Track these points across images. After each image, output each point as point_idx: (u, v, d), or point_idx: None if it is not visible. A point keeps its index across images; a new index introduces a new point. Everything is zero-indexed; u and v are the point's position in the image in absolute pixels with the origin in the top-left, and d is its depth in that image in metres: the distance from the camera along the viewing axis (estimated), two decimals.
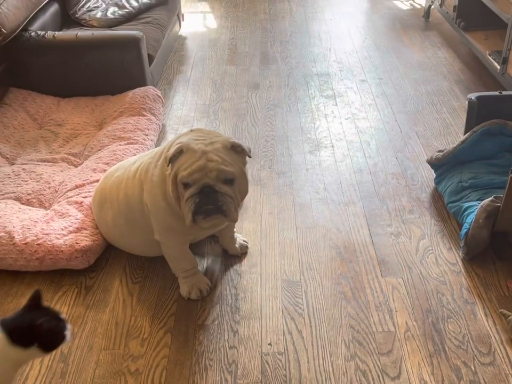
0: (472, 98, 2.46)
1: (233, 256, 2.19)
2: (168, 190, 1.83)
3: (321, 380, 1.71)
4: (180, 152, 1.78)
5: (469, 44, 3.63)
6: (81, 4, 3.59)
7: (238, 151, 1.83)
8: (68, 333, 1.36)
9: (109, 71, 3.13)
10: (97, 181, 2.40)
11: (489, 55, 3.32)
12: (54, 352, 1.79)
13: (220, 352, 1.80)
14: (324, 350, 1.80)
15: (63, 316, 1.42)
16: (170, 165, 1.80)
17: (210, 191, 1.76)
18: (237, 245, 2.19)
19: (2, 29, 2.80)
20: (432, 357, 1.77)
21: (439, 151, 2.53)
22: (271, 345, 1.82)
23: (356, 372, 1.73)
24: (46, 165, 2.62)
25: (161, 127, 3.04)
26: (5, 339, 1.29)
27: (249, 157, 1.86)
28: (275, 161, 2.80)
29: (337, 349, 1.80)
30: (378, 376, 1.71)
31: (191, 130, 1.92)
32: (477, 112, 2.45)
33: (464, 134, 2.49)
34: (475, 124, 2.44)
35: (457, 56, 3.84)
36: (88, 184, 2.42)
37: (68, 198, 2.35)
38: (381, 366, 1.74)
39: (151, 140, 2.82)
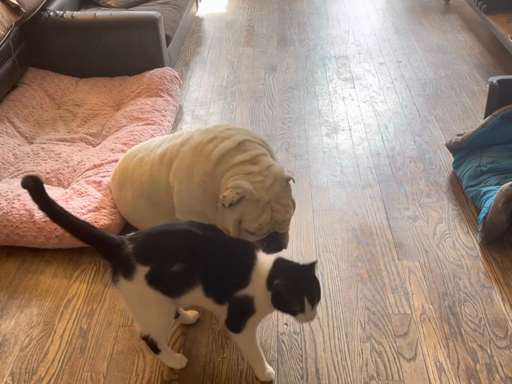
0: (494, 81, 2.43)
1: None
2: (227, 227, 1.79)
3: (337, 360, 1.72)
4: (241, 199, 1.75)
5: (490, 27, 3.57)
6: None
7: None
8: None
9: (127, 51, 3.14)
10: (116, 160, 2.41)
11: (511, 39, 3.26)
12: (73, 328, 1.84)
13: None
14: (339, 330, 1.81)
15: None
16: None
17: (275, 235, 1.83)
18: None
19: (22, 8, 2.81)
20: (448, 340, 1.77)
21: (458, 134, 2.51)
22: (287, 325, 1.83)
23: (371, 353, 1.74)
24: (64, 144, 2.64)
25: (178, 108, 3.04)
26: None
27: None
28: (292, 144, 2.79)
29: (353, 330, 1.81)
30: (394, 357, 1.72)
31: (229, 129, 1.90)
32: (498, 96, 2.42)
33: (485, 118, 2.46)
34: (496, 107, 2.42)
35: (478, 40, 3.78)
36: (106, 163, 2.43)
37: (86, 177, 2.37)
38: (396, 348, 1.75)
39: (168, 121, 2.83)
